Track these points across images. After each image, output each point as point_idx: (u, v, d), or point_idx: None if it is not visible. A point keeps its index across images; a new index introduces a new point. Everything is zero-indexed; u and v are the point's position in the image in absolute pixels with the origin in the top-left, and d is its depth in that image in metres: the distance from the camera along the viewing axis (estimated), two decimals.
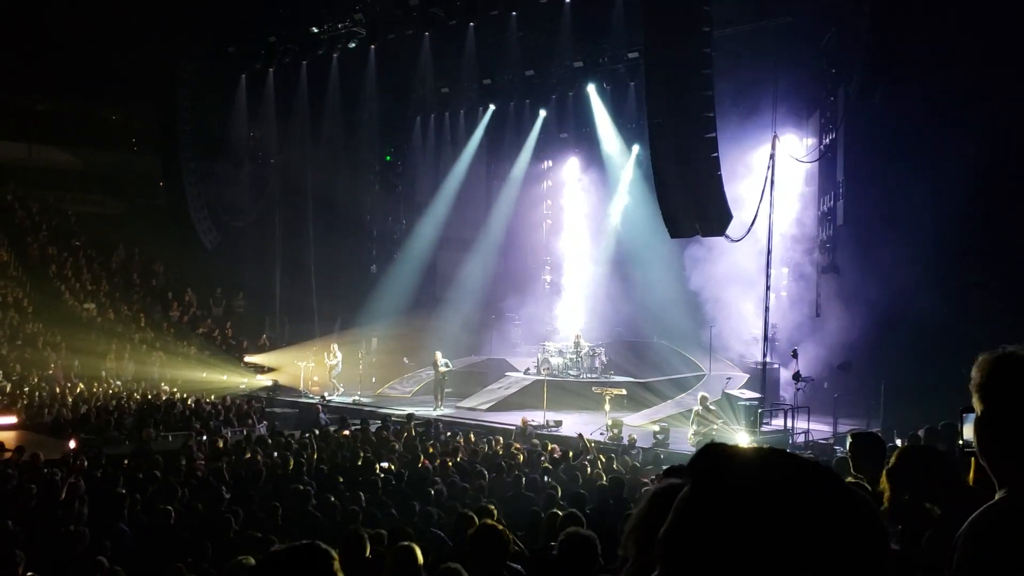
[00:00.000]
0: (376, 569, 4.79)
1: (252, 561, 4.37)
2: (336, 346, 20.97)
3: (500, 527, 3.93)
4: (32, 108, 29.56)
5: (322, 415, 17.45)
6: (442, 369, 18.77)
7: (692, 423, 14.29)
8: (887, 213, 15.69)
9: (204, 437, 13.63)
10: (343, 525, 7.12)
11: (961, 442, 2.15)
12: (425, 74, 22.68)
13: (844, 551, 0.89)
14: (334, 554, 1.77)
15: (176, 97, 23.40)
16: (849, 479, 4.25)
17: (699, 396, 14.74)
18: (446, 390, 19.43)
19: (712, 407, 14.49)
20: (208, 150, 24.33)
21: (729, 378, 16.91)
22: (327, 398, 20.13)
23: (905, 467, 3.00)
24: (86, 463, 10.23)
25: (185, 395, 19.02)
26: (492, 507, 5.58)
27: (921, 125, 14.94)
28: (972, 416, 2.30)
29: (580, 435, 13.41)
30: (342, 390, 20.64)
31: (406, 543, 3.80)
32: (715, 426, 14.10)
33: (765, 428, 14.82)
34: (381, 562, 4.85)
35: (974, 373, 1.67)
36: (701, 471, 0.94)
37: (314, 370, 21.39)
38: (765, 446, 0.99)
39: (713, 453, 0.96)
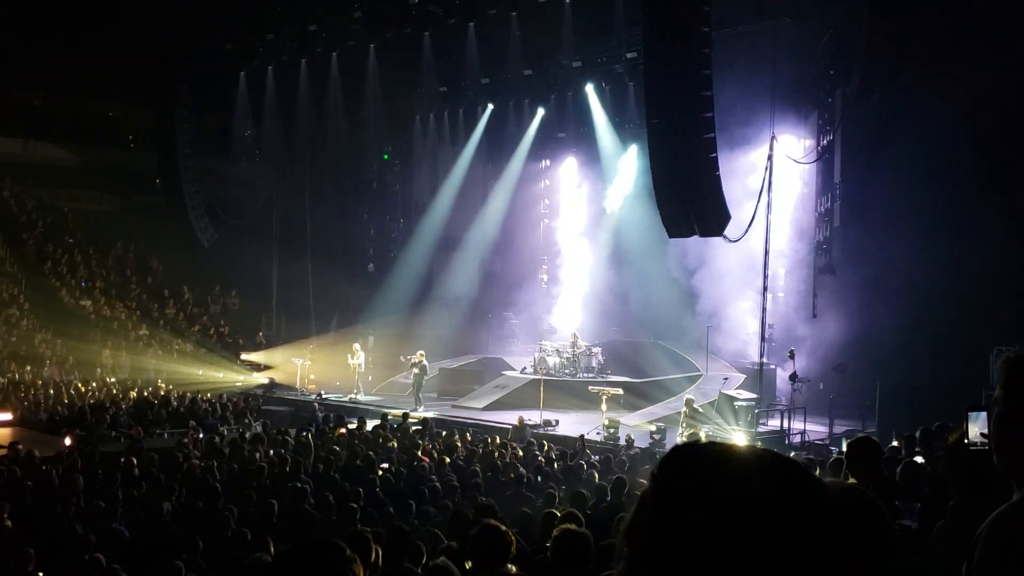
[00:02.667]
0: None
1: (268, 559, 4.33)
2: (358, 345, 20.47)
3: (503, 527, 3.91)
4: (28, 103, 29.45)
5: (319, 413, 17.40)
6: (416, 372, 18.49)
7: (682, 424, 14.32)
8: (884, 214, 15.74)
9: (200, 435, 13.60)
10: (340, 523, 7.11)
11: (966, 440, 2.15)
12: (424, 73, 22.65)
13: (804, 545, 0.89)
14: (353, 554, 1.75)
15: (173, 94, 23.34)
16: (852, 481, 4.26)
17: (684, 399, 14.77)
18: (446, 388, 19.30)
19: (699, 408, 14.51)
20: (205, 147, 24.27)
21: (726, 378, 16.94)
22: (354, 396, 19.81)
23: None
24: (80, 460, 10.20)
25: (181, 392, 18.96)
26: (495, 506, 5.56)
27: (918, 127, 14.97)
28: (975, 415, 2.31)
29: (582, 436, 13.42)
30: (355, 393, 20.02)
31: (442, 560, 3.70)
32: (702, 426, 14.13)
33: (761, 428, 14.84)
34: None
35: (998, 372, 1.67)
36: (666, 471, 0.96)
37: (311, 368, 21.33)
38: (739, 444, 1.00)
39: (680, 453, 0.97)
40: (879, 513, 1.45)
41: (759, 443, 13.49)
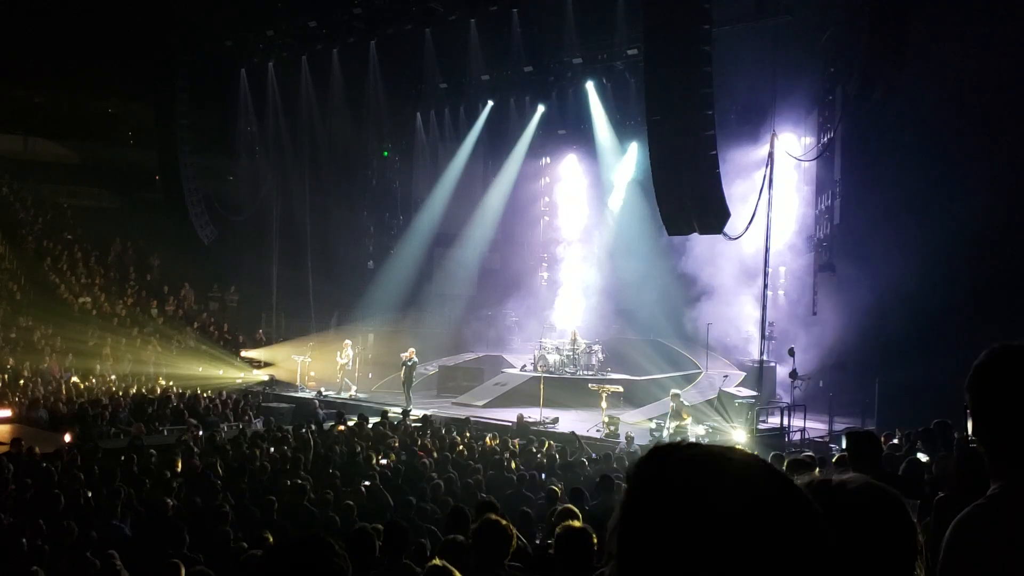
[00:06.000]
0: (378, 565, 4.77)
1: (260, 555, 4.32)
2: (350, 342, 20.46)
3: (504, 522, 3.91)
4: (28, 100, 29.42)
5: (319, 410, 17.41)
6: (406, 368, 18.43)
7: (668, 418, 14.33)
8: (884, 212, 15.73)
9: (200, 432, 13.59)
10: (339, 520, 7.11)
11: (967, 434, 2.14)
12: (425, 70, 22.61)
13: (777, 549, 0.86)
14: (341, 550, 1.74)
15: (173, 90, 23.31)
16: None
17: (671, 393, 14.78)
18: (446, 386, 19.25)
19: (685, 402, 14.52)
20: (205, 144, 24.25)
21: (726, 376, 16.94)
22: (337, 394, 19.76)
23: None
24: (80, 457, 10.19)
25: (181, 389, 18.95)
26: (496, 502, 5.56)
27: (919, 124, 14.98)
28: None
29: (573, 432, 13.43)
30: (354, 390, 19.96)
31: (440, 564, 3.68)
32: (688, 420, 14.13)
33: (761, 426, 14.85)
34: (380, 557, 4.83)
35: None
36: (641, 475, 0.93)
37: (311, 365, 21.32)
38: (715, 445, 0.96)
39: (656, 456, 0.94)
40: (899, 510, 1.37)
41: (756, 441, 13.51)
